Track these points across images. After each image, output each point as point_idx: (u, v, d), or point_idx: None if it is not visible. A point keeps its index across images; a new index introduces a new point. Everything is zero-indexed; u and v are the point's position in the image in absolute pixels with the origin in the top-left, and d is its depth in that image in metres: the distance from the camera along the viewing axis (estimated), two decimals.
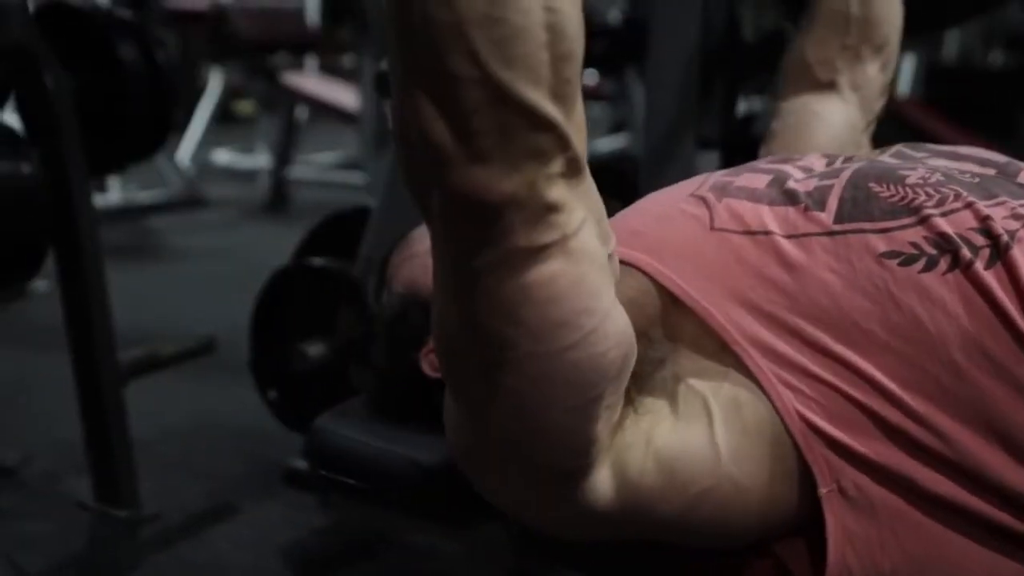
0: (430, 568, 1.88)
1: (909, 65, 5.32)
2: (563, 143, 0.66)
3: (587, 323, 0.69)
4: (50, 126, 1.84)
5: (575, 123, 0.67)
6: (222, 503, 2.09)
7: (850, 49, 1.18)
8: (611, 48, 4.99)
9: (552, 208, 0.66)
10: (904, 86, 5.23)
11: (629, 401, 0.77)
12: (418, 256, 1.01)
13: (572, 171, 0.68)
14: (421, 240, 1.01)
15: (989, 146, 0.91)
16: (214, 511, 2.07)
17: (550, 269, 0.67)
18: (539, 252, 0.67)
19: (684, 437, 0.76)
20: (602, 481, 0.75)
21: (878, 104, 1.21)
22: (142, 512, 2.00)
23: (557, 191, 0.66)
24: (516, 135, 0.64)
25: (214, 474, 2.21)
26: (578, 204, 0.69)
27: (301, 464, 1.86)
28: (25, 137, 1.82)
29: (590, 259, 0.70)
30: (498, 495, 0.81)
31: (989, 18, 8.02)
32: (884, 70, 1.20)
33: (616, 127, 6.06)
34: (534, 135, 0.65)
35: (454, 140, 0.64)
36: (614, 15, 4.99)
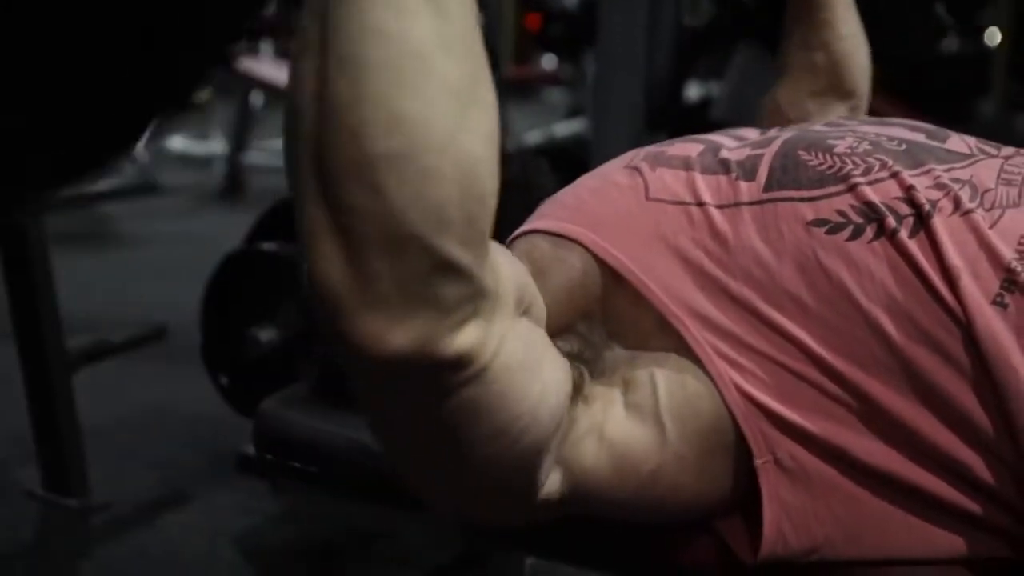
0: (383, 552, 1.89)
1: None
2: (469, 289, 0.63)
3: (519, 424, 0.69)
4: None
5: (485, 260, 0.64)
6: (174, 490, 2.08)
7: (818, 96, 1.20)
8: (568, 32, 4.99)
9: (459, 357, 0.63)
10: None
11: (578, 392, 0.77)
12: None
13: (483, 305, 0.64)
14: None
15: None
16: (166, 498, 2.06)
17: (470, 397, 0.66)
18: (454, 389, 0.65)
19: (634, 423, 0.77)
20: (553, 482, 0.76)
21: None
22: (92, 500, 1.99)
23: (465, 337, 0.63)
24: (416, 281, 0.60)
25: (166, 461, 2.19)
26: (492, 330, 0.65)
27: (253, 450, 1.85)
28: None
29: (512, 371, 0.67)
30: (447, 510, 0.84)
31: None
32: (854, 112, 1.22)
33: (573, 112, 6.06)
34: (437, 281, 0.61)
35: (349, 281, 0.60)
36: (570, 0, 4.99)
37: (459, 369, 0.64)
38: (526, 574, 1.19)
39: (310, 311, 1.13)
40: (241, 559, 1.88)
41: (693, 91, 3.30)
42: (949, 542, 0.76)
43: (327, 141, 0.59)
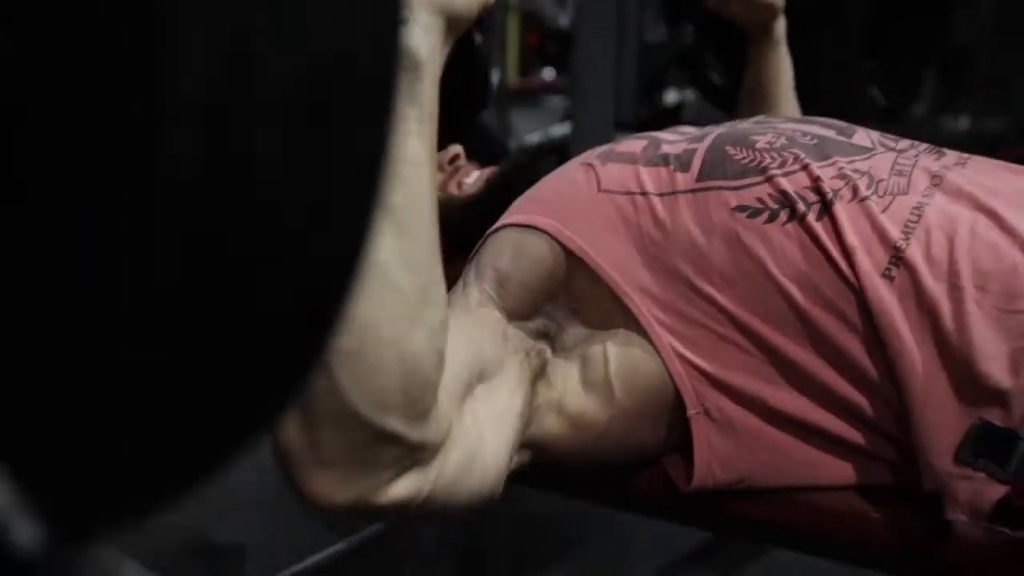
0: None
1: None
2: (407, 450, 0.63)
3: (473, 497, 0.68)
4: None
5: (424, 421, 0.63)
6: None
7: None
8: (562, 48, 4.97)
9: (394, 505, 0.64)
10: None
11: (541, 372, 0.78)
12: None
13: (421, 455, 0.64)
14: None
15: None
16: None
17: (419, 514, 0.66)
18: (404, 516, 0.66)
19: (587, 395, 0.78)
20: (523, 456, 0.76)
21: None
22: None
23: (398, 488, 0.63)
24: (358, 449, 0.61)
25: None
26: (432, 468, 0.65)
27: None
28: None
29: (455, 481, 0.67)
30: None
31: None
32: None
33: (567, 116, 6.03)
34: (376, 449, 0.61)
35: (303, 445, 0.60)
36: (564, 20, 4.97)
37: (398, 511, 0.65)
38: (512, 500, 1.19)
39: None
40: (284, 487, 1.89)
41: (671, 96, 3.28)
42: (845, 472, 0.77)
43: None
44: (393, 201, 0.62)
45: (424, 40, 0.68)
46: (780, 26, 1.24)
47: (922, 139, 0.87)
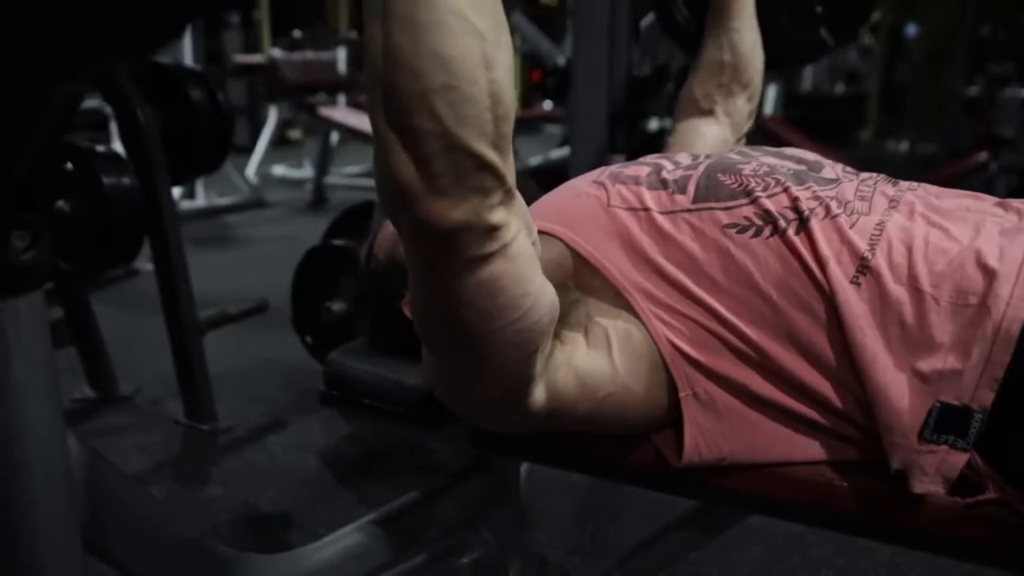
0: (418, 460, 1.90)
1: (775, 92, 5.31)
2: (501, 180, 0.64)
3: (526, 303, 0.69)
4: (143, 149, 1.83)
5: (509, 164, 0.65)
6: (275, 419, 2.10)
7: (724, 86, 1.18)
8: (559, 83, 4.96)
9: (494, 228, 0.64)
10: (770, 108, 5.22)
11: (556, 334, 0.77)
12: (394, 234, 1.00)
13: (508, 198, 0.65)
14: None
15: (832, 154, 0.90)
16: (270, 424, 2.08)
17: (496, 269, 0.66)
18: (487, 258, 0.65)
19: (593, 359, 0.77)
20: (539, 395, 0.76)
21: (746, 126, 1.22)
22: (219, 426, 2.02)
23: (497, 215, 0.64)
24: (465, 175, 0.62)
25: (269, 398, 2.21)
26: (513, 219, 0.66)
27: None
28: (126, 158, 1.81)
29: (524, 257, 0.68)
30: (464, 413, 0.82)
31: (832, 59, 8.02)
32: (749, 101, 1.20)
33: (564, 142, 6.03)
34: (479, 175, 0.62)
35: (418, 179, 0.61)
36: (561, 59, 4.96)
37: (493, 238, 0.65)
38: (522, 475, 1.19)
39: (364, 291, 1.13)
40: (323, 466, 1.90)
41: (654, 124, 3.27)
42: (814, 449, 0.77)
43: (394, 82, 0.60)
44: None
45: None
46: None
47: (869, 160, 0.86)
